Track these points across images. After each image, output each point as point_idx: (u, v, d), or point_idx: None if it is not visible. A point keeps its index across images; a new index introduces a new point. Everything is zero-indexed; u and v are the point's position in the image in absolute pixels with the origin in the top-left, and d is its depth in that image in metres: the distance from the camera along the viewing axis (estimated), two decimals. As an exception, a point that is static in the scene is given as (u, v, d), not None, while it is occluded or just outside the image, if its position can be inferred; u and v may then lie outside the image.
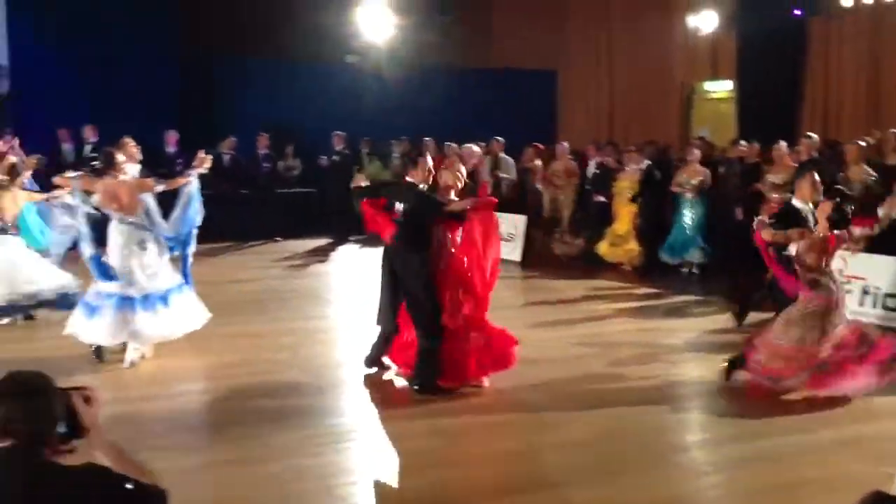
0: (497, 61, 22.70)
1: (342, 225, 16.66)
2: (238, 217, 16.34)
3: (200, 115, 18.35)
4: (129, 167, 8.43)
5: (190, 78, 18.72)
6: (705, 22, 17.69)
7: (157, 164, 10.64)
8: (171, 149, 15.19)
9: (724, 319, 9.47)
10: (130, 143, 9.14)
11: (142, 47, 18.00)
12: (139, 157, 9.45)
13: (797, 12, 15.72)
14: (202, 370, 7.56)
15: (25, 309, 8.91)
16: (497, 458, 5.61)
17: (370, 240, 16.74)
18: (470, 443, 5.85)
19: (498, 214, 7.64)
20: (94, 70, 17.57)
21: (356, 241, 16.43)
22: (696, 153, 12.52)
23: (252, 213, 16.60)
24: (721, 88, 18.51)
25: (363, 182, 7.69)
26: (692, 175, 12.32)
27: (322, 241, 16.24)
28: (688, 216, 12.26)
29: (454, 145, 15.73)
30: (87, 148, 14.79)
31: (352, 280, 12.68)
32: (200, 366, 7.69)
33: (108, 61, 17.70)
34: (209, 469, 5.19)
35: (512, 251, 13.87)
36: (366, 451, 5.69)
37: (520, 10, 21.98)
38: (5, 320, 8.85)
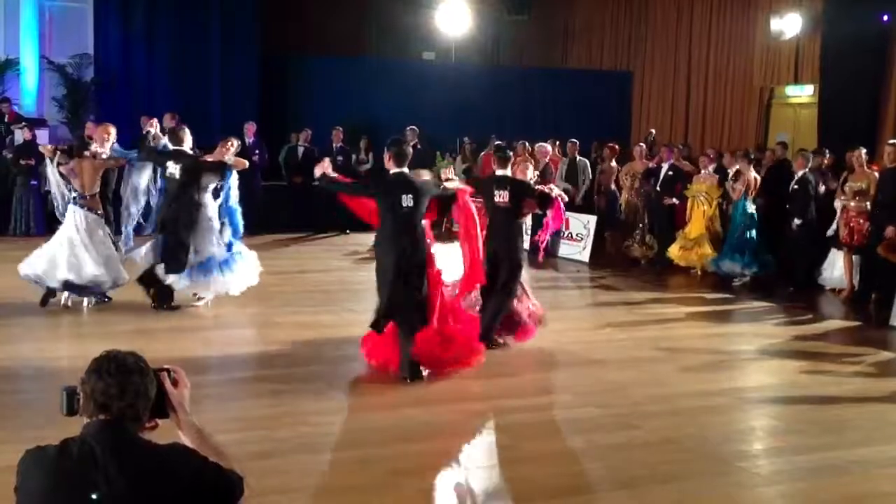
0: (573, 61, 22.59)
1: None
2: (310, 209, 16.54)
3: (278, 107, 18.63)
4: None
5: (269, 71, 19.01)
6: (789, 25, 17.33)
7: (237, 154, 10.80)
8: (249, 139, 15.42)
9: (794, 326, 9.31)
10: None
11: (223, 38, 18.36)
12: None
13: (885, 18, 15.32)
14: (269, 358, 7.66)
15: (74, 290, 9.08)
16: (561, 458, 5.57)
17: (440, 235, 16.86)
18: (535, 441, 5.82)
19: (568, 214, 7.69)
20: (176, 60, 17.97)
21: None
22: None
23: (324, 206, 16.75)
24: (802, 93, 18.13)
25: (329, 170, 7.51)
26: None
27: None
28: (743, 225, 12.02)
29: (526, 143, 15.71)
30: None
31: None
32: (267, 354, 7.79)
33: (191, 51, 18.09)
34: (276, 456, 5.26)
35: (581, 251, 13.80)
36: (432, 446, 5.71)
37: (598, 10, 21.83)
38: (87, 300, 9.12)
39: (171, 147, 9.36)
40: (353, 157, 17.61)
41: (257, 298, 9.60)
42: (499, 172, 8.27)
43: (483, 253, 7.68)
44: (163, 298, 9.11)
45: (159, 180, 9.48)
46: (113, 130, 9.50)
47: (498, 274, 7.93)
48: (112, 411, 2.62)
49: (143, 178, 9.59)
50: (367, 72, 19.57)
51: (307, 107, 18.81)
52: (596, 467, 5.42)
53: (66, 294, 9.05)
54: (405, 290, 6.96)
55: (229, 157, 9.25)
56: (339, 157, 17.15)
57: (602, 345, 8.42)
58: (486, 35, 22.41)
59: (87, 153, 9.20)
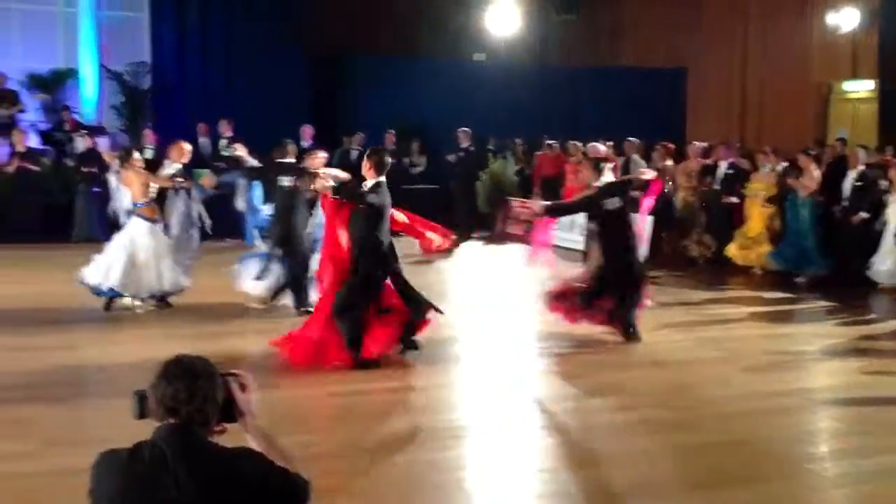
0: (623, 59, 22.42)
1: (466, 222, 16.76)
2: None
3: (330, 111, 18.77)
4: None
5: (321, 75, 19.17)
6: (846, 19, 17.03)
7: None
8: (306, 143, 15.55)
9: (855, 325, 9.16)
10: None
11: (276, 45, 18.53)
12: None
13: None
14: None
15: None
16: (630, 459, 5.52)
17: (494, 238, 16.86)
18: (599, 441, 5.78)
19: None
20: (230, 65, 18.20)
21: (479, 239, 16.51)
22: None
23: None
24: (861, 88, 17.79)
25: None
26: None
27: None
28: (801, 223, 11.82)
29: (579, 144, 15.64)
30: (223, 142, 15.26)
31: (474, 277, 12.75)
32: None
33: (244, 56, 18.30)
34: (341, 459, 5.29)
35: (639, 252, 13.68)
36: (491, 446, 5.71)
37: (649, 7, 21.64)
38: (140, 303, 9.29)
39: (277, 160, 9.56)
40: (406, 160, 17.69)
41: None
42: (604, 180, 8.41)
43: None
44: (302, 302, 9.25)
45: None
46: (188, 149, 9.74)
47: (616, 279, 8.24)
48: (181, 415, 2.66)
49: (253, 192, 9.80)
50: (418, 73, 19.62)
51: (359, 109, 18.92)
52: (666, 468, 5.37)
53: (128, 298, 9.23)
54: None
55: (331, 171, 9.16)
56: (392, 160, 17.22)
57: (662, 346, 8.34)
58: (534, 35, 22.33)
59: (132, 162, 9.38)
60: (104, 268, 9.08)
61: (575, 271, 9.04)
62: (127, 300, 9.23)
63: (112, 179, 9.59)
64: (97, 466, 2.68)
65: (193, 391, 2.67)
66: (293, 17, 18.81)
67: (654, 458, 5.53)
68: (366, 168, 7.47)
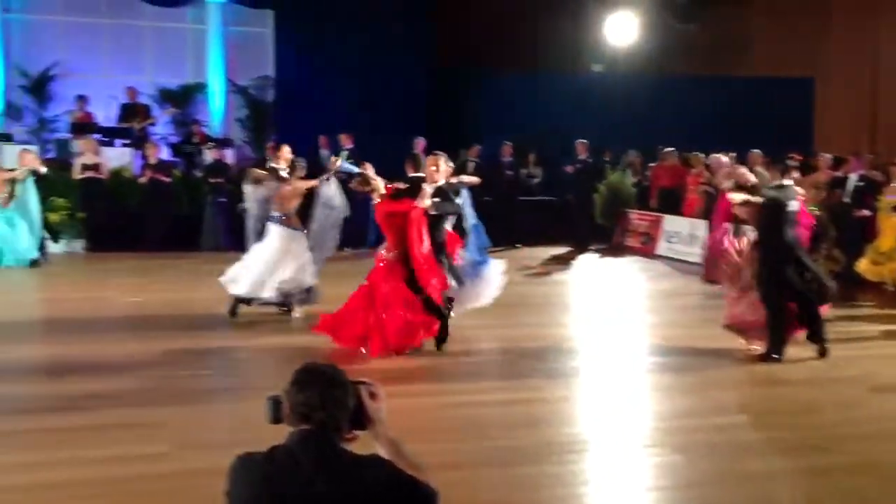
0: (746, 69, 21.88)
1: (583, 233, 16.65)
2: (482, 223, 16.68)
3: (447, 123, 18.92)
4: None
5: (438, 88, 19.36)
6: None
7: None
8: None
9: None
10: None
11: (395, 60, 18.83)
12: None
13: None
14: (449, 372, 7.76)
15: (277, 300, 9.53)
16: (745, 481, 5.37)
17: (611, 250, 16.69)
18: (721, 460, 5.64)
19: (747, 228, 7.57)
20: (351, 80, 18.56)
21: (597, 251, 16.36)
22: None
23: (494, 220, 16.87)
24: None
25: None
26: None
27: (562, 250, 16.28)
28: None
29: (701, 155, 15.34)
30: (343, 154, 15.52)
31: (592, 289, 12.64)
32: (443, 366, 7.90)
33: (364, 73, 18.64)
34: (464, 470, 5.31)
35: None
36: (612, 461, 5.64)
37: (775, 15, 21.07)
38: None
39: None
40: (523, 171, 17.68)
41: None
42: (785, 182, 8.27)
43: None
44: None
45: None
46: (287, 149, 10.08)
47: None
48: (313, 421, 2.73)
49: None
50: (535, 86, 19.62)
51: (476, 121, 19.03)
52: (790, 491, 5.20)
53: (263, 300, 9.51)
54: None
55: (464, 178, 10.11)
56: (509, 172, 17.27)
57: (787, 363, 8.08)
58: (654, 45, 22.02)
59: (286, 181, 9.66)
60: (248, 277, 9.38)
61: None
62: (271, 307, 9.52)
63: (250, 192, 9.88)
64: (234, 469, 2.76)
65: (325, 398, 2.74)
66: (413, 32, 19.09)
67: (771, 480, 5.36)
68: (434, 171, 8.31)
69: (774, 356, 8.01)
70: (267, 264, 9.33)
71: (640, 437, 6.06)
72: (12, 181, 12.95)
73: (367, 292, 8.09)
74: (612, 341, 9.05)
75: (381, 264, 8.19)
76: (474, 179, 10.45)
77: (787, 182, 8.25)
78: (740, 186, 8.72)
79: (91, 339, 8.43)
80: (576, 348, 8.70)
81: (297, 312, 9.57)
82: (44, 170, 13.39)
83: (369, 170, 8.60)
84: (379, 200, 8.27)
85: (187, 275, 12.34)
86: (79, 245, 14.63)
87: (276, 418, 2.80)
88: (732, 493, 5.18)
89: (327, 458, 2.70)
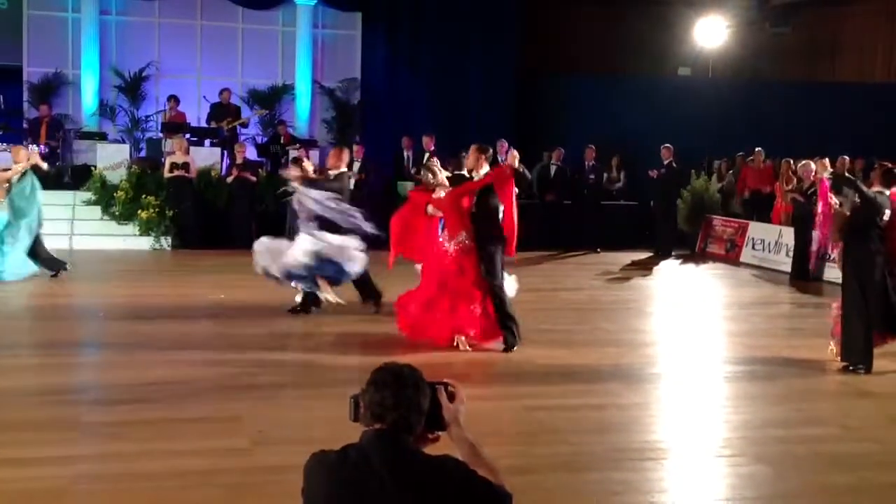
0: (840, 74, 21.34)
1: (666, 239, 16.43)
2: (561, 226, 16.65)
3: (531, 126, 18.88)
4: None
5: (523, 91, 19.33)
6: None
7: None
8: (501, 156, 15.70)
9: None
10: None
11: (480, 63, 18.92)
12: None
13: None
14: (522, 374, 7.73)
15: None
16: (829, 495, 5.23)
17: (694, 256, 16.42)
18: (803, 473, 5.50)
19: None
20: (437, 82, 18.67)
21: (678, 257, 16.13)
22: None
23: (575, 224, 16.82)
24: None
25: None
26: None
27: (644, 255, 16.08)
28: None
29: (791, 161, 15.00)
30: (426, 156, 15.63)
31: (673, 295, 12.45)
32: (517, 370, 7.87)
33: (450, 73, 18.75)
34: (537, 474, 5.29)
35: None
36: (689, 471, 5.55)
37: (868, 20, 20.50)
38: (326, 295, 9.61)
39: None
40: (605, 175, 17.54)
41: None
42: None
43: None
44: None
45: None
46: (346, 151, 10.31)
47: None
48: (386, 421, 2.73)
49: None
50: (620, 89, 19.44)
51: (560, 125, 18.96)
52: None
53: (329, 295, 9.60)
54: None
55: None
56: (591, 176, 17.14)
57: (877, 376, 7.83)
58: (745, 49, 21.63)
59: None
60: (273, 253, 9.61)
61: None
62: (329, 297, 9.60)
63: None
64: (309, 468, 2.79)
65: (399, 399, 2.74)
66: (498, 35, 19.13)
67: (856, 495, 5.21)
68: (474, 160, 8.36)
69: (850, 367, 7.81)
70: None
71: (719, 446, 5.95)
72: (8, 181, 11.51)
73: (440, 285, 8.16)
74: (692, 348, 8.90)
75: (450, 253, 8.23)
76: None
77: (882, 189, 7.99)
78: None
79: (173, 334, 8.64)
80: (654, 354, 8.59)
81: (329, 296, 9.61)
82: (45, 165, 12.24)
83: (435, 165, 8.82)
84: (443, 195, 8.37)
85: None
86: (166, 242, 15.00)
87: (356, 417, 2.83)
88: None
89: (399, 458, 2.70)
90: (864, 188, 8.06)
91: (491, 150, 8.60)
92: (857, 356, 7.84)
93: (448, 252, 8.24)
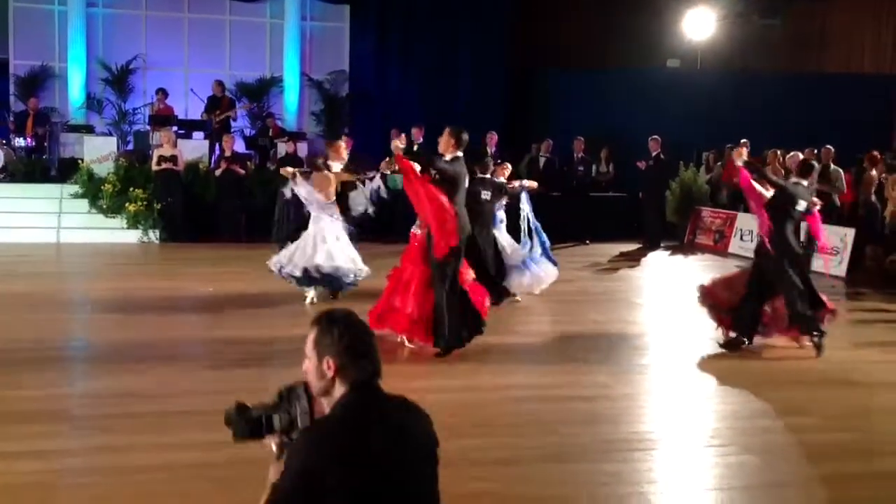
0: (829, 66, 21.40)
1: (654, 230, 16.48)
2: (550, 218, 16.62)
3: (521, 120, 18.90)
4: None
5: (512, 83, 19.34)
6: None
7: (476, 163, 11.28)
8: (491, 149, 15.74)
9: None
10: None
11: (469, 56, 18.93)
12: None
13: None
14: (508, 367, 7.75)
15: (316, 282, 9.70)
16: (819, 483, 5.27)
17: (682, 247, 16.47)
18: (790, 463, 5.55)
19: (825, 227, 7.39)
20: (426, 74, 18.67)
21: (667, 248, 16.18)
22: None
23: (564, 215, 16.83)
24: None
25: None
26: None
27: (633, 246, 16.12)
28: None
29: (779, 151, 15.05)
30: (415, 148, 15.61)
31: (662, 286, 12.49)
32: (506, 361, 7.88)
33: (438, 68, 18.75)
34: (520, 465, 5.32)
35: (837, 265, 13.02)
36: (677, 461, 5.58)
37: (857, 12, 20.55)
38: (309, 292, 9.78)
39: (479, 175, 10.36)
40: (594, 167, 17.57)
41: (499, 306, 9.73)
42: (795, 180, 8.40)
43: None
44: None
45: None
46: (342, 145, 10.36)
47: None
48: (365, 374, 2.81)
49: None
50: (608, 81, 19.46)
51: (549, 117, 18.98)
52: (840, 498, 5.08)
53: (311, 293, 9.72)
54: None
55: (525, 182, 10.78)
56: (580, 167, 17.17)
57: (859, 366, 7.91)
58: (734, 40, 21.67)
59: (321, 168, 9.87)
60: (287, 256, 9.75)
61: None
62: (310, 295, 9.75)
63: (288, 191, 10.12)
64: (308, 444, 2.70)
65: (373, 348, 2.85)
66: (488, 28, 19.14)
67: (828, 485, 5.23)
68: (445, 144, 7.83)
69: (735, 337, 8.32)
70: (313, 247, 9.62)
71: (708, 437, 5.98)
72: None
73: (399, 274, 8.06)
74: (679, 339, 8.94)
75: (416, 244, 8.14)
76: (533, 184, 10.81)
77: (800, 180, 8.32)
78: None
79: (163, 327, 8.63)
80: (642, 345, 8.63)
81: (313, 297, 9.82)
82: None
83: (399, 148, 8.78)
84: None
85: (259, 266, 12.52)
86: (154, 235, 14.97)
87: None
88: (806, 495, 5.08)
89: (390, 406, 2.82)
90: (774, 178, 8.39)
91: (465, 135, 7.92)
92: (741, 330, 8.30)
93: (416, 235, 8.25)
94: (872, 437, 6.07)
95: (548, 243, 10.73)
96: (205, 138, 16.59)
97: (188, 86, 17.55)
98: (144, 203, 14.80)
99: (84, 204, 15.18)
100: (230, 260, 13.23)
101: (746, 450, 5.71)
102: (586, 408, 6.50)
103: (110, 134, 17.08)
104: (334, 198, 9.84)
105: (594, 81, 19.40)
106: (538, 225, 10.59)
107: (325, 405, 2.83)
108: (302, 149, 16.48)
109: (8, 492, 4.68)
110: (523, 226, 10.57)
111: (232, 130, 17.06)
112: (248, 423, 2.89)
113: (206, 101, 16.94)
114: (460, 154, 7.82)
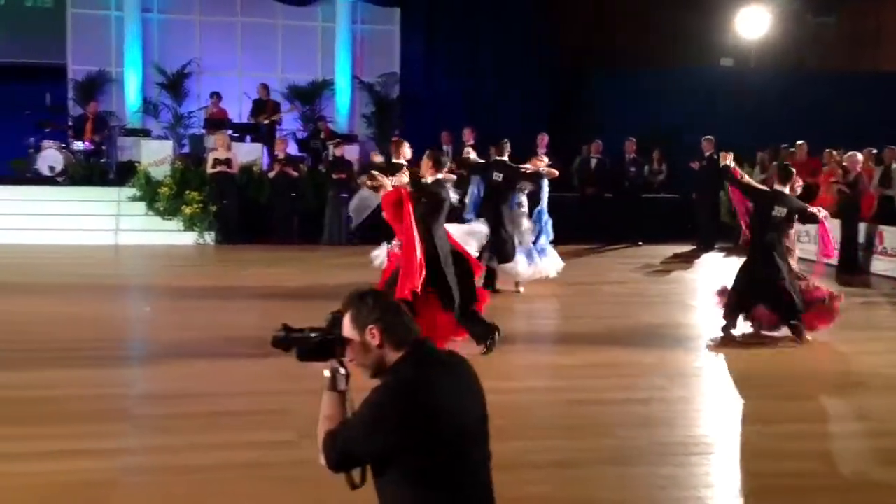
0: (887, 64, 20.98)
1: (708, 232, 16.28)
2: (602, 220, 16.57)
3: (571, 121, 18.80)
4: None
5: (563, 84, 19.27)
6: None
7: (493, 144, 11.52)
8: (541, 150, 15.66)
9: None
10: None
11: (520, 58, 18.88)
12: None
13: None
14: (564, 370, 7.72)
15: None
16: (879, 488, 5.17)
17: (737, 249, 16.24)
18: (848, 468, 5.45)
19: (883, 228, 7.25)
20: (475, 77, 18.68)
21: (721, 249, 15.97)
22: None
23: (616, 217, 16.73)
24: None
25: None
26: None
27: (686, 248, 15.95)
28: None
29: (834, 152, 14.80)
30: (465, 149, 15.61)
31: (715, 288, 12.32)
32: (561, 363, 7.86)
33: (488, 70, 18.74)
34: (576, 467, 5.29)
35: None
36: (733, 465, 5.51)
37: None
38: None
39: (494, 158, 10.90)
40: (646, 167, 17.42)
41: (552, 308, 9.72)
42: (776, 187, 8.71)
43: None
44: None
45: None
46: (406, 145, 10.40)
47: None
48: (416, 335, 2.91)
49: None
50: (660, 81, 19.26)
51: (601, 118, 18.84)
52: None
53: None
54: None
55: (543, 169, 10.85)
56: (632, 168, 17.03)
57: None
58: (788, 38, 21.35)
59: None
60: None
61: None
62: None
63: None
64: (415, 406, 2.73)
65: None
66: (537, 30, 19.11)
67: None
68: (425, 167, 7.95)
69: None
70: None
71: (764, 440, 5.90)
72: None
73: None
74: (734, 342, 8.81)
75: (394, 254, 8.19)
76: (553, 172, 11.03)
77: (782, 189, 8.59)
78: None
79: (219, 328, 8.73)
80: (697, 348, 8.52)
81: None
82: None
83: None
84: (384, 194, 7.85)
85: (311, 267, 12.65)
86: (210, 237, 15.16)
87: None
88: (868, 501, 4.99)
89: (448, 360, 2.92)
90: (747, 182, 8.96)
91: (445, 159, 8.26)
92: (726, 320, 8.67)
93: (394, 253, 8.25)
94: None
95: (551, 236, 11.15)
96: (252, 141, 16.72)
97: (241, 89, 17.74)
98: (200, 205, 14.99)
99: (141, 206, 15.42)
100: (283, 261, 13.35)
101: (804, 455, 5.62)
102: (642, 411, 6.45)
103: (166, 137, 17.32)
104: None
105: (645, 82, 19.22)
106: (548, 219, 11.03)
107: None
108: (352, 151, 16.57)
109: (67, 490, 4.77)
110: (535, 211, 10.96)
111: (284, 133, 17.21)
112: (312, 345, 2.96)
113: (252, 105, 17.11)
114: (441, 176, 8.02)
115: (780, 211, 8.39)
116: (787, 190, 8.55)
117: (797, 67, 21.37)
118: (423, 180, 7.80)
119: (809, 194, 15.69)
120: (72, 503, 4.65)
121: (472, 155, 11.33)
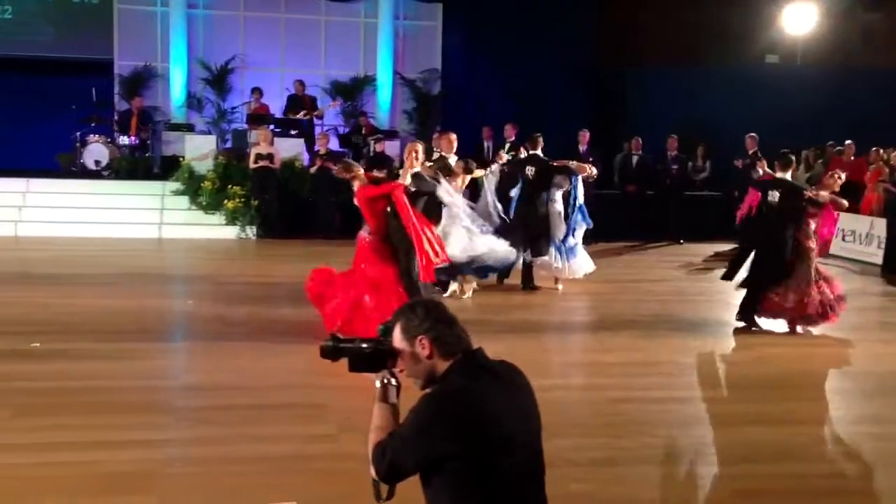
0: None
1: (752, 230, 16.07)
2: (644, 218, 16.44)
3: (612, 116, 18.70)
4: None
5: (604, 81, 19.16)
6: None
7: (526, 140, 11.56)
8: (583, 147, 15.61)
9: None
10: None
11: (560, 55, 18.81)
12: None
13: None
14: (604, 368, 7.68)
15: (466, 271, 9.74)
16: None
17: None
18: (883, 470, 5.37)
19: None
20: (516, 74, 18.63)
21: (765, 249, 15.77)
22: None
23: (657, 214, 16.59)
24: None
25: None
26: None
27: (728, 246, 15.75)
28: None
29: (882, 151, 14.57)
30: (506, 146, 15.58)
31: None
32: (602, 362, 7.83)
33: (530, 64, 18.69)
34: (617, 466, 5.26)
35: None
36: (776, 468, 5.44)
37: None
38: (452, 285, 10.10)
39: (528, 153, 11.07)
40: (690, 164, 17.26)
41: (592, 306, 9.66)
42: (777, 175, 9.10)
43: None
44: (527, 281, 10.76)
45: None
46: (454, 137, 10.82)
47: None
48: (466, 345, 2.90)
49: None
50: (702, 78, 19.09)
51: (641, 114, 18.72)
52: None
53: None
54: None
55: (573, 163, 10.94)
56: (675, 166, 16.88)
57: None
58: (835, 35, 21.03)
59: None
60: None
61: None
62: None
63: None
64: (468, 411, 2.71)
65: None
66: (579, 28, 19.03)
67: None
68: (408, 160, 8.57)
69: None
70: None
71: (806, 441, 5.82)
72: None
73: (352, 273, 8.21)
74: (776, 342, 8.71)
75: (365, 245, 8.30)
76: (592, 172, 11.16)
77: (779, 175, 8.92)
78: None
79: (260, 321, 8.79)
80: (738, 347, 8.43)
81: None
82: None
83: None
84: (359, 186, 8.20)
85: (351, 261, 12.67)
86: (252, 231, 15.27)
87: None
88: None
89: (499, 369, 2.89)
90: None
91: (419, 147, 8.75)
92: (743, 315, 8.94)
93: (364, 239, 8.36)
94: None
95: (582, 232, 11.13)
96: (285, 135, 16.77)
97: (283, 85, 17.84)
98: (242, 200, 15.11)
99: (185, 200, 15.58)
100: (324, 255, 13.34)
101: (849, 456, 5.55)
102: (682, 410, 6.40)
103: (210, 132, 17.49)
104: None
105: (689, 79, 19.05)
106: (581, 220, 10.96)
107: None
108: (393, 147, 16.60)
109: (111, 479, 4.83)
110: (570, 210, 10.92)
111: (325, 129, 17.28)
112: (364, 355, 3.00)
113: (287, 100, 17.19)
114: (419, 169, 8.55)
115: (773, 195, 8.62)
116: (787, 176, 8.83)
117: (844, 64, 21.03)
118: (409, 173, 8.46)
119: (855, 193, 15.49)
120: (114, 493, 4.70)
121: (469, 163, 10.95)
